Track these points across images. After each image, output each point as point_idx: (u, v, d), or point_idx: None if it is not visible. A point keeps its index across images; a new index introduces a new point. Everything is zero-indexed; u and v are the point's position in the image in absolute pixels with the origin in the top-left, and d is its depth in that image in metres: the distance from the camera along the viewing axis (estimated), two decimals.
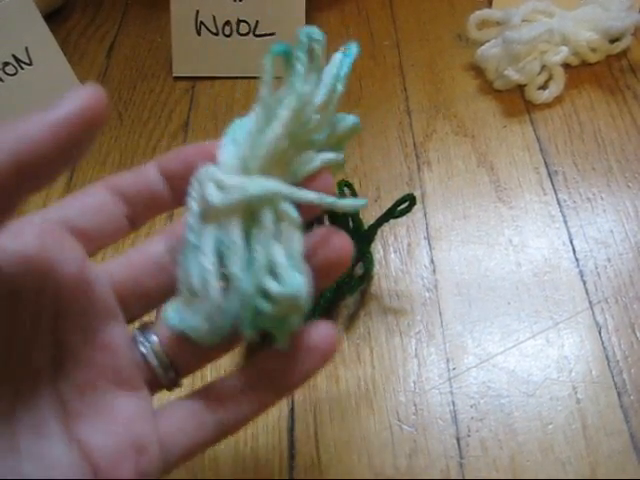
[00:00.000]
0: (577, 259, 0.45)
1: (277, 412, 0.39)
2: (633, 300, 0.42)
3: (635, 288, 0.43)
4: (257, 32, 0.59)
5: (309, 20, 0.60)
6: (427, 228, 0.48)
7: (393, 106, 0.56)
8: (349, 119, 0.26)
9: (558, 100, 0.55)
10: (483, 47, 0.57)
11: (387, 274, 0.45)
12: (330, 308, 0.43)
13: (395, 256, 0.46)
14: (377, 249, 0.46)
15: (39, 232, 0.23)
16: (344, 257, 0.24)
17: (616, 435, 0.37)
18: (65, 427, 0.22)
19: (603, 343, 0.41)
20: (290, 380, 0.25)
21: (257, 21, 0.58)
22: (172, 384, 0.26)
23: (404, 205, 0.41)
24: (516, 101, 0.56)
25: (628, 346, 0.40)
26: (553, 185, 0.50)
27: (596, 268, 0.44)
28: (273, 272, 0.23)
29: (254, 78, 0.61)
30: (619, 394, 0.38)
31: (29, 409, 0.21)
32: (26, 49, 0.58)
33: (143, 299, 0.25)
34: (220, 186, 0.23)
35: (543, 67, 0.55)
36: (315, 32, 0.24)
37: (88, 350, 0.23)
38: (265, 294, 0.22)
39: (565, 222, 0.47)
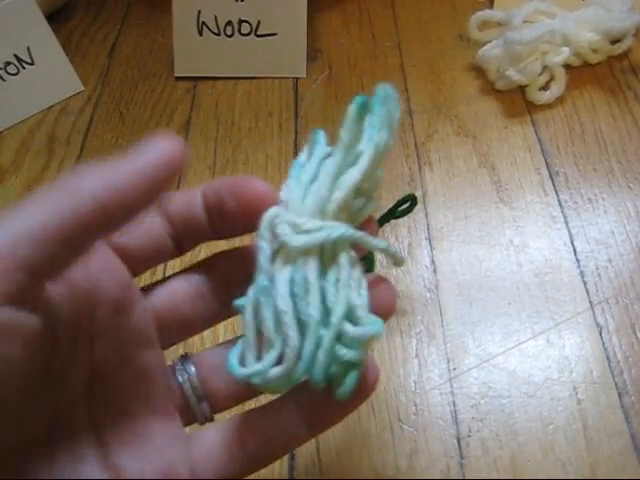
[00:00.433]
0: (578, 260, 0.45)
1: None
2: (634, 301, 0.42)
3: (636, 289, 0.43)
4: (259, 32, 0.59)
5: (310, 20, 0.60)
6: (428, 228, 0.48)
7: None
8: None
9: (559, 101, 0.55)
10: (484, 48, 0.57)
11: (388, 274, 0.45)
12: None
13: None
14: None
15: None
16: (388, 309, 0.24)
17: (617, 436, 0.37)
18: (100, 451, 0.22)
19: (604, 344, 0.41)
20: (328, 418, 0.26)
21: (259, 21, 0.58)
22: (204, 418, 0.26)
23: (405, 205, 0.41)
24: (517, 102, 0.56)
25: (629, 347, 0.40)
26: (554, 186, 0.50)
27: (597, 269, 0.44)
28: (350, 316, 0.22)
29: (255, 78, 0.61)
30: (620, 395, 0.38)
31: (65, 433, 0.21)
32: (28, 49, 0.58)
33: (181, 326, 0.25)
34: (297, 228, 0.22)
35: (544, 68, 0.55)
36: (391, 90, 0.24)
37: (123, 375, 0.23)
38: (343, 339, 0.22)
39: (566, 223, 0.47)
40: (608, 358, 0.40)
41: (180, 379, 0.25)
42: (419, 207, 0.49)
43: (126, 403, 0.23)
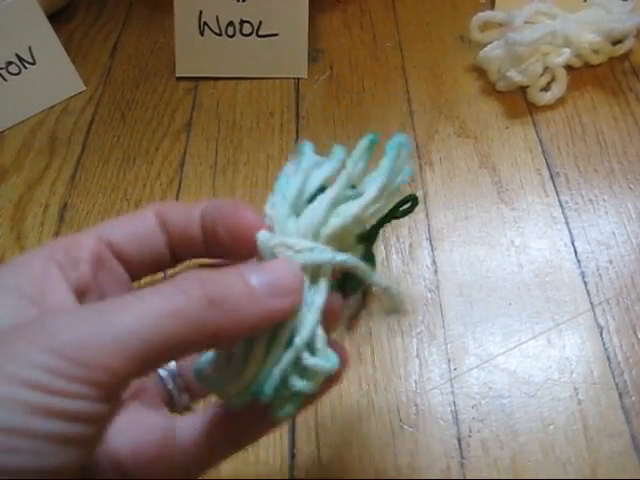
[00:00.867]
0: (579, 260, 0.45)
1: None
2: (635, 301, 0.42)
3: (637, 289, 0.43)
4: (260, 32, 0.59)
5: (312, 21, 0.60)
6: (429, 229, 0.48)
7: (395, 107, 0.57)
8: None
9: (560, 102, 0.55)
10: (485, 49, 0.57)
11: (389, 274, 0.45)
12: None
13: (397, 257, 0.46)
14: (379, 250, 0.46)
15: (91, 258, 0.23)
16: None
17: (617, 436, 0.37)
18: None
19: (604, 344, 0.41)
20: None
21: (260, 21, 0.59)
22: (184, 408, 0.27)
23: (406, 206, 0.41)
24: (518, 103, 0.56)
25: (629, 347, 0.40)
26: (555, 186, 0.50)
27: (598, 269, 0.44)
28: (310, 345, 0.22)
29: (257, 79, 0.61)
30: (620, 395, 0.38)
31: None
32: (29, 49, 0.58)
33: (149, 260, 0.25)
34: (291, 249, 0.22)
35: (545, 69, 0.55)
36: (406, 141, 0.24)
37: None
38: (298, 366, 0.22)
39: (567, 223, 0.47)
40: (609, 359, 0.40)
41: (163, 374, 0.26)
42: (420, 207, 0.49)
43: (123, 398, 0.24)
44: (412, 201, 0.41)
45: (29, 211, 0.52)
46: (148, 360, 0.18)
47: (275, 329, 0.22)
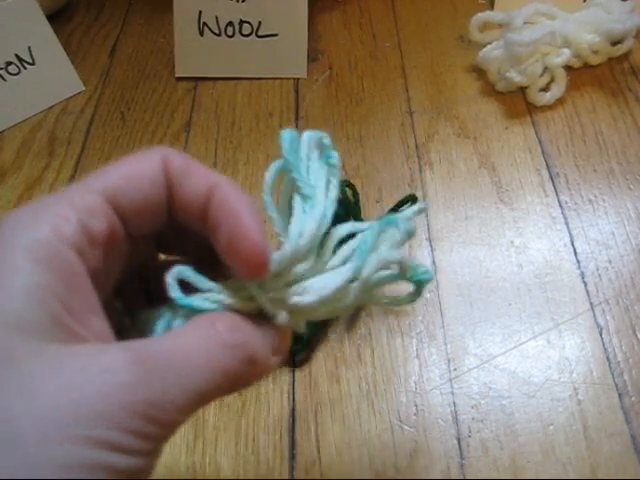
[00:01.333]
0: (578, 261, 0.45)
1: (278, 412, 0.39)
2: (634, 302, 0.42)
3: (636, 290, 0.43)
4: (260, 33, 0.59)
5: (311, 21, 0.60)
6: (428, 229, 0.48)
7: (395, 107, 0.57)
8: None
9: (560, 102, 0.55)
10: (485, 49, 0.57)
11: None
12: None
13: None
14: None
15: (105, 237, 0.22)
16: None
17: (617, 436, 0.37)
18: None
19: (604, 344, 0.41)
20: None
21: (260, 22, 0.59)
22: None
23: (406, 206, 0.41)
24: (518, 103, 0.56)
25: (629, 347, 0.40)
26: (554, 187, 0.50)
27: (597, 270, 0.44)
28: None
29: (256, 79, 0.61)
30: (620, 395, 0.38)
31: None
32: (29, 49, 0.58)
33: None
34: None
35: (545, 69, 0.55)
36: (411, 227, 0.25)
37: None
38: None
39: (566, 224, 0.47)
40: (608, 359, 0.40)
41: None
42: None
43: None
44: (412, 201, 0.41)
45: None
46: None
47: None
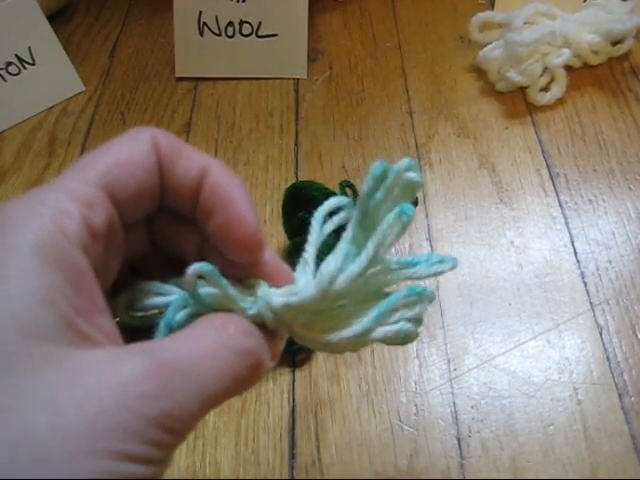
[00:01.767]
0: (578, 261, 0.45)
1: (278, 412, 0.39)
2: (634, 302, 0.42)
3: (636, 290, 0.43)
4: (260, 33, 0.59)
5: (311, 21, 0.60)
6: (429, 229, 0.48)
7: (395, 107, 0.57)
8: None
9: (560, 102, 0.55)
10: (485, 49, 0.57)
11: None
12: None
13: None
14: None
15: (105, 232, 0.21)
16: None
17: (617, 436, 0.37)
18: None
19: (604, 344, 0.41)
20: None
21: (260, 22, 0.59)
22: None
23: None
24: (518, 103, 0.56)
25: (629, 347, 0.40)
26: (555, 187, 0.50)
27: (597, 270, 0.44)
28: None
29: (256, 79, 0.61)
30: (620, 395, 0.38)
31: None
32: (29, 49, 0.58)
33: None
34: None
35: (545, 69, 0.55)
36: (410, 210, 0.23)
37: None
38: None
39: (566, 224, 0.47)
40: (608, 359, 0.40)
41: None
42: (420, 208, 0.49)
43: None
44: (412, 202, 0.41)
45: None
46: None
47: None
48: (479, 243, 0.47)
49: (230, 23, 0.59)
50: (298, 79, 0.60)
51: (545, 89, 0.55)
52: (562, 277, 0.44)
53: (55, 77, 0.60)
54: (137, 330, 0.22)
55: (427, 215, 0.48)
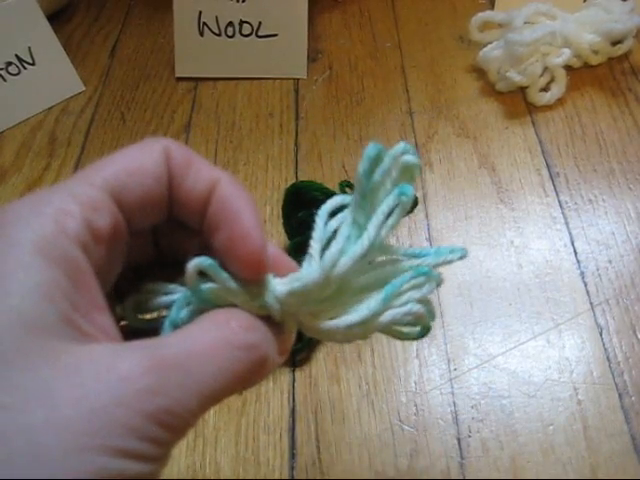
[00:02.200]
0: (578, 260, 0.45)
1: (278, 412, 0.39)
2: (634, 302, 0.42)
3: (636, 290, 0.43)
4: (260, 33, 0.59)
5: (311, 21, 0.60)
6: (429, 229, 0.48)
7: (395, 107, 0.57)
8: None
9: (560, 102, 0.55)
10: (485, 49, 0.57)
11: None
12: None
13: None
14: None
15: (109, 235, 0.21)
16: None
17: (617, 436, 0.37)
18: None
19: (604, 344, 0.41)
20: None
21: (260, 22, 0.59)
22: None
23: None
24: (518, 103, 0.56)
25: (629, 347, 0.40)
26: (555, 187, 0.50)
27: (597, 270, 0.44)
28: None
29: (256, 79, 0.61)
30: (620, 395, 0.38)
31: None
32: (29, 49, 0.58)
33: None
34: None
35: (545, 69, 0.55)
36: (409, 190, 0.23)
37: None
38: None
39: (566, 224, 0.47)
40: (608, 359, 0.40)
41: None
42: (420, 208, 0.49)
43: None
44: (412, 202, 0.41)
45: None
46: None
47: None
48: (479, 243, 0.47)
49: (230, 23, 0.59)
50: (298, 79, 0.60)
51: (545, 89, 0.55)
52: (562, 277, 0.44)
53: (55, 77, 0.60)
54: (147, 333, 0.22)
55: (427, 215, 0.48)
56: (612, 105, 0.55)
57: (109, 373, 0.18)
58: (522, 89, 0.56)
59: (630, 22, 0.55)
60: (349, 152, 0.53)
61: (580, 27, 0.55)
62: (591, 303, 0.43)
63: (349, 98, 0.58)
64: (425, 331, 0.25)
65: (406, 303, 0.23)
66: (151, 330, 0.22)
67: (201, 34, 0.59)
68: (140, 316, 0.23)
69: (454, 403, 0.39)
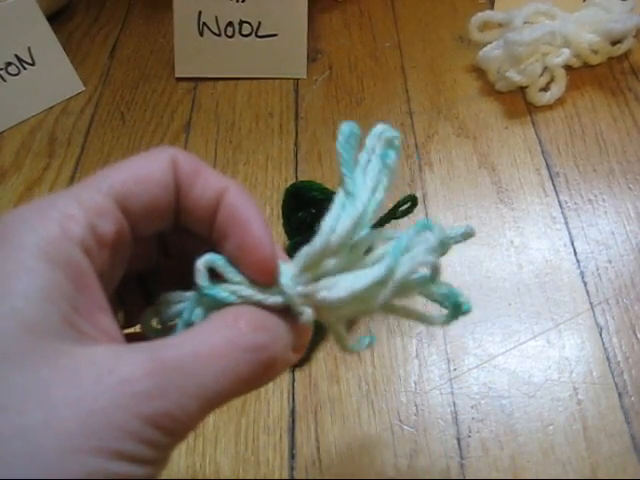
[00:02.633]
0: (578, 260, 0.45)
1: (278, 412, 0.39)
2: (634, 301, 0.42)
3: (636, 289, 0.43)
4: (259, 33, 0.59)
5: (311, 21, 0.60)
6: None
7: (395, 107, 0.57)
8: None
9: (560, 102, 0.55)
10: (485, 49, 0.57)
11: None
12: None
13: None
14: None
15: (113, 240, 0.21)
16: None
17: (617, 436, 0.37)
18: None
19: (604, 344, 0.41)
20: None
21: (259, 22, 0.59)
22: None
23: (406, 206, 0.41)
24: (518, 103, 0.56)
25: (629, 347, 0.40)
26: (554, 186, 0.50)
27: (597, 269, 0.44)
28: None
29: (256, 79, 0.61)
30: (620, 395, 0.38)
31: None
32: (29, 49, 0.58)
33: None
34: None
35: (545, 69, 0.55)
36: (392, 153, 0.24)
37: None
38: None
39: (566, 223, 0.47)
40: (608, 359, 0.40)
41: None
42: (419, 208, 0.48)
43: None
44: (411, 201, 0.41)
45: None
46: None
47: None
48: (479, 243, 0.47)
49: (230, 23, 0.59)
50: (298, 79, 0.60)
51: (545, 89, 0.55)
52: (562, 277, 0.44)
53: (55, 77, 0.60)
54: None
55: (427, 215, 0.48)
56: (612, 105, 0.55)
57: (109, 375, 0.18)
58: (522, 89, 0.56)
59: (630, 22, 0.55)
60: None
61: (580, 27, 0.55)
62: (591, 303, 0.43)
63: (349, 98, 0.58)
64: (454, 314, 0.25)
65: (416, 256, 0.23)
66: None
67: (201, 34, 0.59)
68: (158, 327, 0.23)
69: (454, 403, 0.39)
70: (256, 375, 0.20)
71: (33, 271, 0.18)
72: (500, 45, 0.56)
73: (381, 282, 0.22)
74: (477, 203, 0.49)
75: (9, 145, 0.57)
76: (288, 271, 0.22)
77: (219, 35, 0.59)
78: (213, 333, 0.20)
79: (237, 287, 0.22)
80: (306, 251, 0.22)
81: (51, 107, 0.60)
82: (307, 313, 0.22)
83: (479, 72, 0.58)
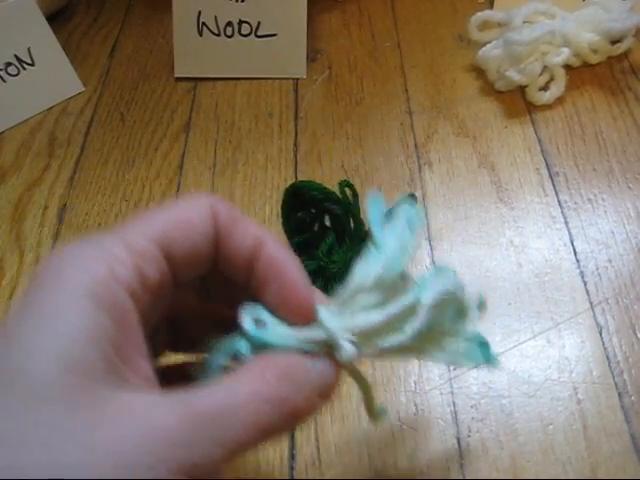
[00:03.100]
0: (578, 260, 0.45)
1: None
2: (634, 301, 0.42)
3: (636, 289, 0.43)
4: (259, 33, 0.59)
5: (310, 21, 0.60)
6: (428, 229, 0.48)
7: (394, 107, 0.57)
8: None
9: (559, 101, 0.55)
10: (484, 48, 0.57)
11: None
12: None
13: None
14: None
15: (157, 283, 0.22)
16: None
17: (617, 436, 0.37)
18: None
19: (604, 344, 0.41)
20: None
21: (259, 22, 0.59)
22: None
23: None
24: (517, 102, 0.56)
25: (629, 347, 0.40)
26: (554, 186, 0.50)
27: (597, 269, 0.44)
28: None
29: (256, 79, 0.61)
30: (620, 395, 0.38)
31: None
32: (28, 49, 0.58)
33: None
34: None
35: (544, 68, 0.55)
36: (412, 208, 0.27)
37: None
38: None
39: (566, 223, 0.47)
40: (608, 358, 0.40)
41: None
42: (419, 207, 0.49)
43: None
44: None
45: (28, 212, 0.52)
46: None
47: None
48: (478, 242, 0.47)
49: (229, 23, 0.59)
50: (297, 79, 0.60)
51: (544, 88, 0.55)
52: (562, 276, 0.44)
53: (54, 77, 0.60)
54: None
55: (426, 215, 0.48)
56: (612, 104, 0.55)
57: (145, 421, 0.19)
58: (521, 88, 0.56)
59: (629, 21, 0.55)
60: (348, 152, 0.53)
61: (579, 26, 0.55)
62: (591, 302, 0.43)
63: (348, 98, 0.58)
64: (486, 353, 0.29)
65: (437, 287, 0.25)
66: None
67: (200, 34, 0.59)
68: (209, 375, 0.24)
69: (454, 403, 0.39)
70: (276, 426, 0.21)
71: (80, 311, 0.19)
72: (500, 44, 0.56)
73: (411, 307, 0.24)
74: (477, 202, 0.49)
75: (9, 145, 0.57)
76: (326, 310, 0.24)
77: (218, 35, 0.59)
78: (242, 384, 0.21)
79: (280, 330, 0.23)
80: (342, 291, 0.24)
81: (51, 107, 0.60)
82: (347, 348, 0.24)
83: (479, 71, 0.58)
